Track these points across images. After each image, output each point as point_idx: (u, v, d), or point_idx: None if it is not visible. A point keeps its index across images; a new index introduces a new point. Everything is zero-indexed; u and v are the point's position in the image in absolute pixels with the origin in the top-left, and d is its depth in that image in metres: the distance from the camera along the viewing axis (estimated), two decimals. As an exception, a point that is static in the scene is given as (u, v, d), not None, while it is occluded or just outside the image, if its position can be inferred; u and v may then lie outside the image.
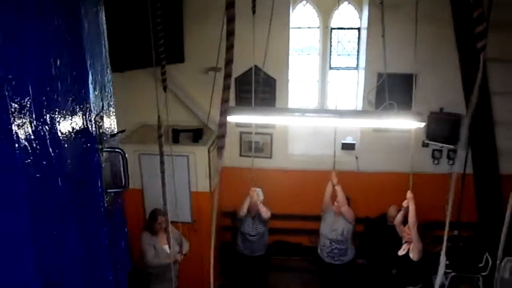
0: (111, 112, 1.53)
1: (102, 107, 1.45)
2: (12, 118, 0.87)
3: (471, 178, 7.57)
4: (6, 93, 0.83)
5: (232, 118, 4.39)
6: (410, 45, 5.23)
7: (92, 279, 1.40)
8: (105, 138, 1.50)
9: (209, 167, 7.06)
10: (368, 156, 7.82)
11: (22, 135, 0.91)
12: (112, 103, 1.53)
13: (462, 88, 7.01)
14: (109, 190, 1.49)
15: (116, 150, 1.52)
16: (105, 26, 1.45)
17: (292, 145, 8.21)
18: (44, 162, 1.05)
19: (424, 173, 7.43)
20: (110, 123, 1.55)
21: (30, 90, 0.96)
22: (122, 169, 1.49)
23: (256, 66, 6.92)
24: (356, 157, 7.83)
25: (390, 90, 6.19)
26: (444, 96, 7.32)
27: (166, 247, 5.72)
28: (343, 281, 6.95)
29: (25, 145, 0.92)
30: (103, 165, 1.44)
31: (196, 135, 7.15)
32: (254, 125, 7.07)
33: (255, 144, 7.76)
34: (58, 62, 1.12)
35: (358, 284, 7.59)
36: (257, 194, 6.67)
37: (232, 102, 7.59)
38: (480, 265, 7.28)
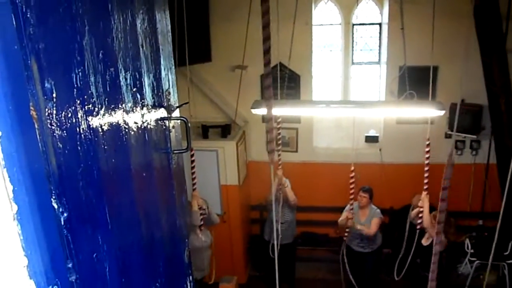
0: (174, 89, 1.83)
1: (168, 84, 1.76)
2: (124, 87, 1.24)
3: (495, 168, 7.69)
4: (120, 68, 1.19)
5: (259, 111, 4.62)
6: (432, 39, 5.41)
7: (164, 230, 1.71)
8: (172, 109, 1.81)
9: (238, 161, 7.35)
10: (391, 148, 7.98)
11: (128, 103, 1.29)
12: (174, 82, 1.84)
13: (484, 78, 7.14)
14: (175, 151, 1.80)
15: (181, 118, 1.83)
16: (169, 22, 1.77)
17: (316, 138, 8.44)
18: (136, 128, 1.37)
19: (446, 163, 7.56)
20: (174, 98, 1.86)
21: (130, 67, 1.29)
22: (186, 134, 1.78)
23: (281, 63, 7.19)
24: (380, 149, 8.01)
25: (411, 82, 6.39)
26: (465, 87, 7.42)
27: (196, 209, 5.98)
28: (372, 269, 7.14)
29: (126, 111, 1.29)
30: (171, 131, 1.76)
31: (224, 130, 7.45)
32: (279, 119, 7.27)
33: (282, 139, 8.00)
34: (144, 47, 1.43)
35: (384, 273, 7.78)
36: (285, 181, 6.89)
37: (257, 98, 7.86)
38: (506, 253, 7.38)
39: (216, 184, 7.34)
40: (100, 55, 1.09)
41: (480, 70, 7.10)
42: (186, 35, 5.36)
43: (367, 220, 6.82)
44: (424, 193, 5.56)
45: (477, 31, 6.85)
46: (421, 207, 5.77)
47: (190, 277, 2.03)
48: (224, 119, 7.97)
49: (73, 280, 0.88)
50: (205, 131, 7.33)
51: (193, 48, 6.70)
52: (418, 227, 5.89)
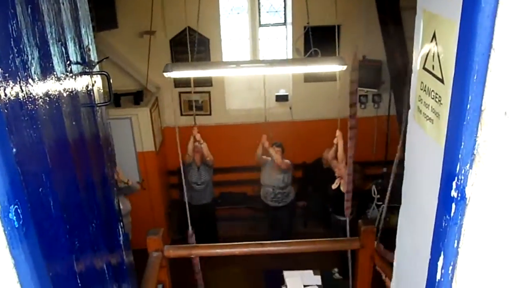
0: (93, 46, 1.91)
1: (88, 41, 1.83)
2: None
3: (395, 118, 8.29)
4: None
5: (171, 75, 4.68)
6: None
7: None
8: (93, 64, 1.89)
9: (152, 127, 7.37)
10: (301, 106, 8.35)
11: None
12: (92, 39, 1.91)
13: (381, 35, 7.61)
14: (98, 104, 1.89)
15: (102, 72, 1.91)
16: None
17: (229, 101, 8.62)
18: (64, 81, 1.46)
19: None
20: (94, 54, 1.93)
21: (55, 22, 1.39)
22: (108, 88, 1.88)
23: (189, 27, 7.24)
24: (290, 108, 8.36)
25: (316, 41, 6.71)
26: (366, 45, 7.87)
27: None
28: (287, 221, 7.55)
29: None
30: (94, 86, 1.85)
31: (137, 97, 7.41)
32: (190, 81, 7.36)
33: (195, 103, 8.10)
34: (64, 4, 1.52)
35: (299, 224, 8.27)
36: (201, 146, 7.05)
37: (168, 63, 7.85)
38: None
39: (133, 152, 7.34)
40: (29, 9, 1.17)
41: (379, 28, 7.56)
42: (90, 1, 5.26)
43: (281, 175, 7.16)
44: (338, 131, 5.93)
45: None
46: (337, 144, 6.18)
47: (121, 223, 2.17)
48: (135, 86, 7.90)
49: (28, 206, 1.00)
50: (116, 99, 7.23)
51: (98, 15, 6.57)
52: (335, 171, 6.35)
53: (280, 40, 8.65)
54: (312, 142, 8.06)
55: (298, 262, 5.87)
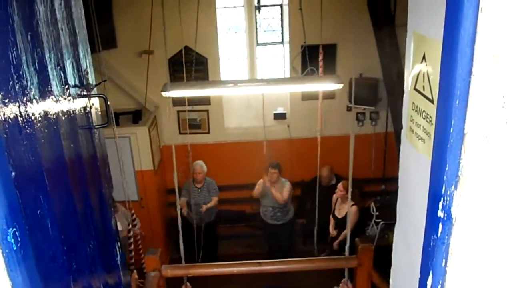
0: (91, 70, 1.95)
1: (86, 65, 1.87)
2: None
3: (393, 135, 8.32)
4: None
5: (169, 94, 4.72)
6: (329, 17, 5.76)
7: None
8: (91, 87, 1.93)
9: (151, 146, 7.41)
10: (299, 123, 8.39)
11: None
12: (90, 63, 1.95)
13: (377, 52, 7.69)
14: (96, 126, 1.92)
15: (100, 95, 1.95)
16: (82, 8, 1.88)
17: (227, 119, 8.66)
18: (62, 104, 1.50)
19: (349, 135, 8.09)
20: (92, 77, 1.97)
21: (53, 48, 1.43)
22: (106, 110, 1.91)
23: (187, 47, 7.31)
24: (288, 126, 8.40)
25: (312, 59, 6.78)
26: (362, 62, 7.92)
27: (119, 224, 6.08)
28: (287, 239, 7.55)
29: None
30: (92, 108, 1.88)
31: (135, 116, 7.46)
32: (187, 101, 7.39)
33: (193, 121, 8.15)
34: (63, 30, 1.56)
35: (299, 242, 8.25)
36: (201, 165, 7.09)
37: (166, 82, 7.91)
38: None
39: (131, 170, 7.36)
40: (29, 37, 1.21)
41: (375, 46, 7.64)
42: (93, 21, 5.33)
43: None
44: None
45: (369, 8, 7.37)
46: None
47: (118, 243, 2.19)
48: (134, 105, 7.95)
49: (26, 229, 1.02)
50: (115, 118, 7.27)
51: (98, 35, 6.63)
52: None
53: (277, 59, 8.73)
54: (310, 160, 8.06)
55: (297, 280, 5.86)
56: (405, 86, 1.84)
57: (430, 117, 1.56)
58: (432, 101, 1.57)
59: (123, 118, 7.40)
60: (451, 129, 0.98)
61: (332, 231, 7.05)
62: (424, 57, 1.65)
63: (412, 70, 1.75)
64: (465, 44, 0.91)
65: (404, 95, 1.85)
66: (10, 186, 0.97)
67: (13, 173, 1.00)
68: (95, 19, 4.61)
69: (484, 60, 0.92)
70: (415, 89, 1.73)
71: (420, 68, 1.68)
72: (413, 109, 1.79)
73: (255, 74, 8.66)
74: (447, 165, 1.01)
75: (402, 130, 1.89)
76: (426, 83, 1.62)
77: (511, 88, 0.91)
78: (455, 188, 1.02)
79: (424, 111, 1.67)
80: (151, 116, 7.79)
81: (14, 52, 1.09)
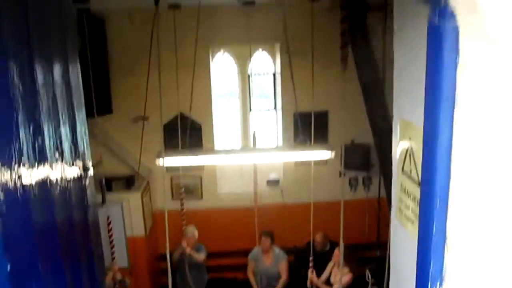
0: (88, 149, 2.00)
1: (83, 143, 1.92)
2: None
3: (386, 200, 8.32)
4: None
5: (164, 162, 4.77)
6: (321, 85, 5.89)
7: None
8: (87, 166, 1.97)
9: (143, 211, 7.37)
10: (292, 188, 8.41)
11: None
12: (88, 143, 2.00)
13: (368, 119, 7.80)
14: (90, 205, 1.95)
15: (100, 182, 1.99)
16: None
17: (220, 185, 8.68)
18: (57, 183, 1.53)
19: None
20: (88, 154, 2.01)
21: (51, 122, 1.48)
22: (101, 191, 1.94)
23: (181, 113, 7.42)
24: (281, 191, 8.41)
25: (305, 127, 6.88)
26: (354, 129, 8.04)
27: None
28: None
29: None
30: (87, 187, 1.91)
31: (128, 182, 7.47)
32: (180, 168, 7.43)
33: (187, 187, 8.14)
34: (59, 101, 1.63)
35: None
36: (192, 231, 7.03)
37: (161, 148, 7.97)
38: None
39: (122, 237, 7.27)
40: (31, 129, 1.26)
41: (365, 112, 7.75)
42: (91, 89, 5.48)
43: (272, 264, 7.12)
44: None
45: (359, 77, 7.55)
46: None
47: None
48: (127, 170, 7.97)
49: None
50: (108, 183, 7.29)
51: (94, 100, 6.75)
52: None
53: (270, 125, 8.87)
54: (303, 225, 8.02)
55: None
56: (393, 168, 1.89)
57: (418, 200, 1.60)
58: (418, 184, 1.61)
59: (116, 184, 7.41)
60: (434, 231, 1.01)
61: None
62: (410, 142, 1.71)
63: (398, 155, 1.80)
64: (443, 151, 0.96)
65: (393, 177, 1.90)
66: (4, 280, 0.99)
67: (9, 266, 1.01)
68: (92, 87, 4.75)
69: (462, 164, 0.96)
70: (403, 171, 1.79)
71: (406, 151, 1.75)
72: (401, 191, 1.84)
73: (249, 139, 8.76)
74: (431, 264, 1.03)
75: (392, 210, 1.93)
76: (413, 166, 1.68)
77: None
78: (440, 286, 1.04)
79: (411, 193, 1.71)
80: (144, 181, 7.81)
81: (17, 146, 1.13)
